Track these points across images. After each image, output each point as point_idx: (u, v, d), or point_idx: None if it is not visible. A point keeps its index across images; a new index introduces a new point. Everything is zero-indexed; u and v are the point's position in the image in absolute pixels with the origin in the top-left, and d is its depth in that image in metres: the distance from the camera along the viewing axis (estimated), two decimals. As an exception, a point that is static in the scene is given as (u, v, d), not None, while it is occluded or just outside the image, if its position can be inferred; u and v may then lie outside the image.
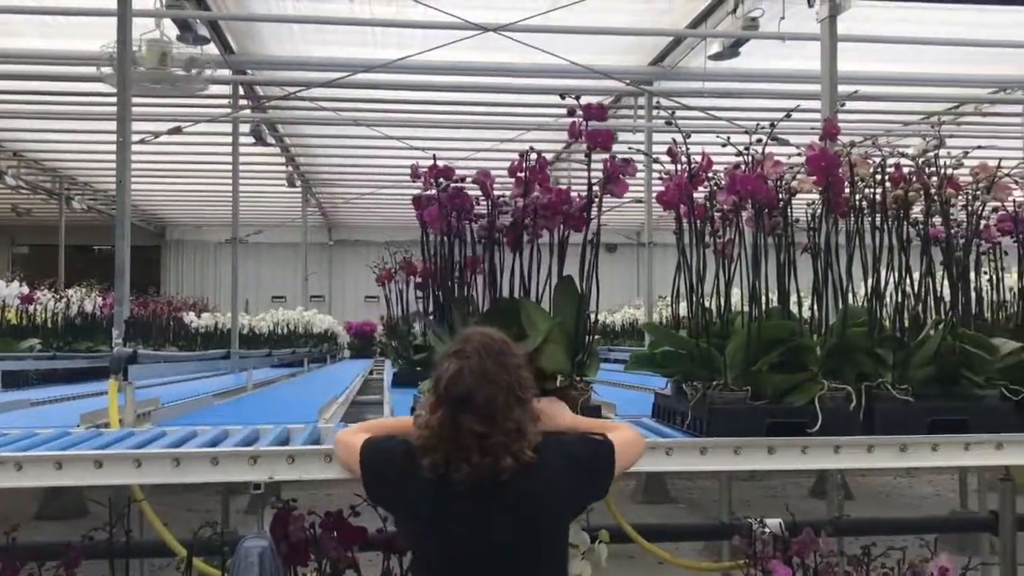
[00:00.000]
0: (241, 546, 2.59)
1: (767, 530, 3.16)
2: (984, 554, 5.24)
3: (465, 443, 2.08)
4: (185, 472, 2.48)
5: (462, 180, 2.88)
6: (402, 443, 2.24)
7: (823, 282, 2.93)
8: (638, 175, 2.93)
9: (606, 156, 2.75)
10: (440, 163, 2.90)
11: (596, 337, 2.94)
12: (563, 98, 2.79)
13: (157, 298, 13.46)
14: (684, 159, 2.80)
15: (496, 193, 2.85)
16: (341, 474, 2.50)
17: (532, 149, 2.79)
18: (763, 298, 2.86)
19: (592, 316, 2.83)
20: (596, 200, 2.76)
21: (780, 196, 2.88)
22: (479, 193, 2.87)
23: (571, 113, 2.71)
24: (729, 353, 2.80)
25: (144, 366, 3.72)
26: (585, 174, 2.99)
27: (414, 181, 2.92)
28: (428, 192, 2.89)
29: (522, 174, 2.77)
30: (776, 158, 2.82)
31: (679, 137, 2.79)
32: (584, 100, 2.71)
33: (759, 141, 2.79)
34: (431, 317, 3.03)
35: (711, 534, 5.06)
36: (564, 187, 2.79)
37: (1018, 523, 3.66)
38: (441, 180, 2.86)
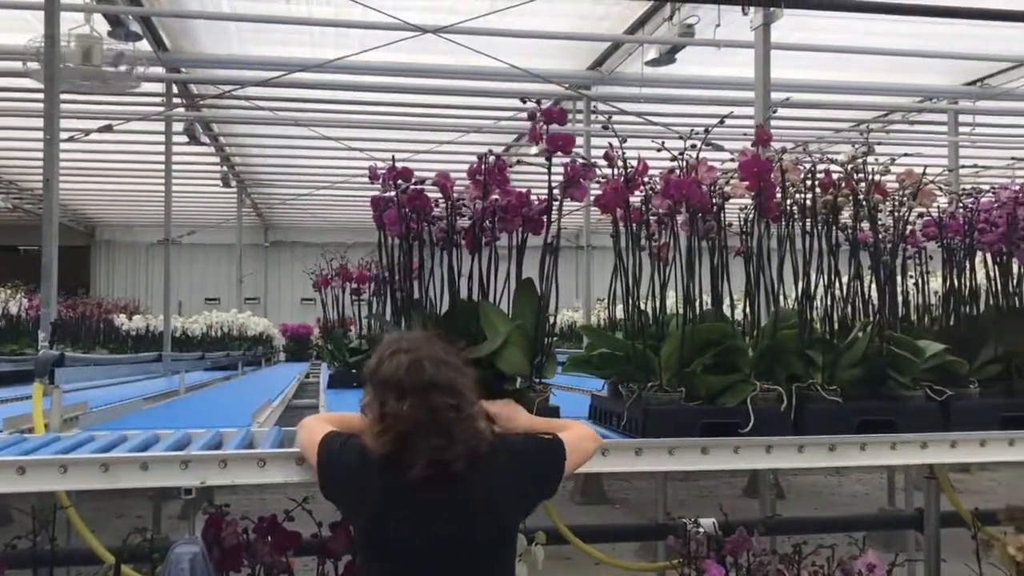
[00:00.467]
0: (172, 552, 2.55)
1: (701, 530, 3.21)
2: (910, 551, 5.39)
3: (444, 419, 2.12)
4: (114, 478, 2.42)
5: (422, 182, 2.87)
6: (360, 443, 2.24)
7: (755, 285, 2.98)
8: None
9: (567, 160, 2.75)
10: (381, 165, 2.88)
11: (554, 339, 2.95)
12: (524, 102, 2.82)
13: (86, 300, 13.15)
14: (621, 163, 2.82)
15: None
16: (275, 478, 2.48)
17: (491, 152, 2.80)
18: (697, 301, 2.90)
19: (551, 318, 2.85)
20: (556, 203, 2.78)
21: (714, 201, 2.93)
22: (436, 195, 2.86)
23: (531, 117, 2.71)
24: (664, 355, 2.84)
25: (72, 369, 3.62)
26: (522, 176, 3.00)
27: (372, 183, 2.89)
28: (387, 194, 2.87)
29: (481, 177, 2.75)
30: (710, 163, 2.87)
31: (616, 141, 2.82)
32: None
33: (694, 146, 2.83)
34: (389, 320, 3.00)
35: (647, 534, 5.10)
36: (524, 190, 2.80)
37: (942, 520, 3.76)
38: (400, 182, 2.83)
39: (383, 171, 2.87)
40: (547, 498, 2.44)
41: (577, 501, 8.79)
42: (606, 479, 8.74)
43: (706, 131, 2.83)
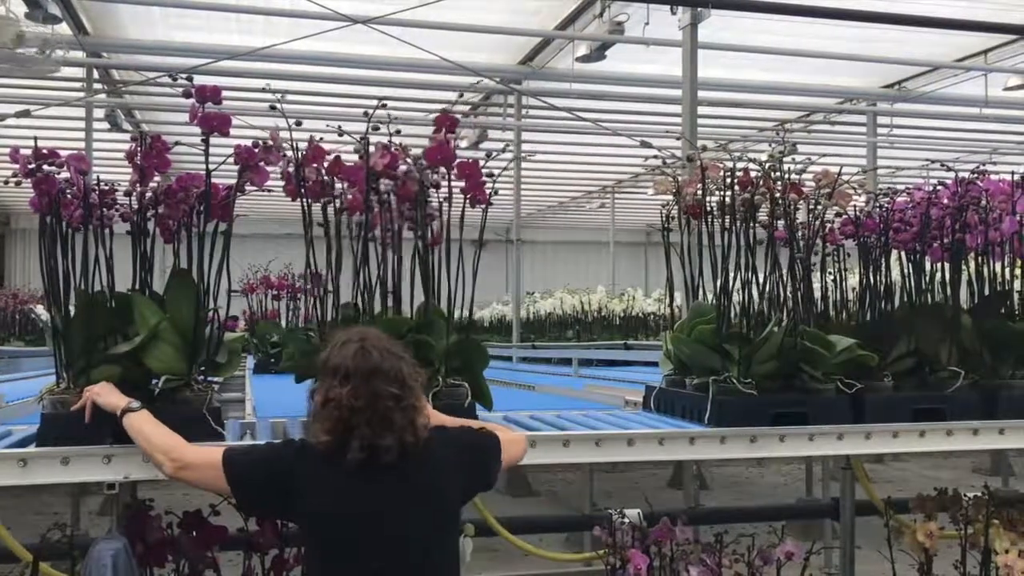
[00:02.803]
0: (93, 548, 2.50)
1: (627, 520, 3.26)
2: (827, 539, 5.56)
3: (385, 406, 2.16)
4: (32, 473, 2.38)
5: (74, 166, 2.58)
6: (292, 443, 2.31)
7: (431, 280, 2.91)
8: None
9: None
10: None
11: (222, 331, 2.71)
12: (174, 79, 2.66)
13: (1, 290, 12.74)
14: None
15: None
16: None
17: (145, 133, 2.64)
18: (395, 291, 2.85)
19: (221, 312, 2.67)
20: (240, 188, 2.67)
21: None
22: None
23: (186, 95, 2.56)
24: None
25: (-13, 362, 3.52)
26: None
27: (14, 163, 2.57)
28: (20, 178, 2.56)
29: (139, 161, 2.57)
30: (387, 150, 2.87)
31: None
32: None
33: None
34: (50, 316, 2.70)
35: (573, 525, 5.17)
36: (196, 173, 2.64)
37: (857, 509, 3.89)
38: (36, 165, 2.54)
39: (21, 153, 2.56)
40: (486, 488, 2.48)
41: (504, 494, 8.84)
42: (532, 471, 8.77)
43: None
